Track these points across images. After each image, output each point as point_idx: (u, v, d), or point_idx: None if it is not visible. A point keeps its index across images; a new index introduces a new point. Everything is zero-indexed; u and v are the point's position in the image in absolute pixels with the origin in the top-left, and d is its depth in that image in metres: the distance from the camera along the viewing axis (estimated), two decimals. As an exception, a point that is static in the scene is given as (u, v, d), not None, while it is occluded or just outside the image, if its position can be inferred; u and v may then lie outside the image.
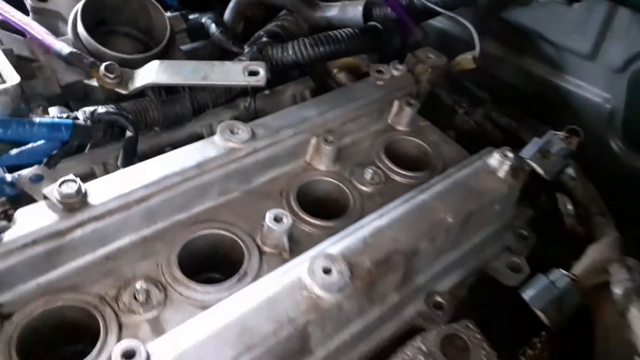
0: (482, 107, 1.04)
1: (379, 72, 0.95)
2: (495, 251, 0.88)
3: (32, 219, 0.61)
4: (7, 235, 0.58)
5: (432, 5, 0.98)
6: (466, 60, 1.00)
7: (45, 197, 0.63)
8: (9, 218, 0.61)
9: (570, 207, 0.85)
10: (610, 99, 0.98)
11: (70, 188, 0.62)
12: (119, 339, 0.59)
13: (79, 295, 0.62)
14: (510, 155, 0.82)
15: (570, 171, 0.88)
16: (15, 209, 0.63)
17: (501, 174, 0.82)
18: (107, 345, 0.58)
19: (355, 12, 1.03)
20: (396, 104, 0.93)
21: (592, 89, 1.01)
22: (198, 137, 0.84)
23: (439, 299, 0.79)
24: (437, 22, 1.13)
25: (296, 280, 0.62)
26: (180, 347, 0.54)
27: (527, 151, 0.83)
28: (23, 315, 0.59)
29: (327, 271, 0.63)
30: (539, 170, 0.83)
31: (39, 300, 0.60)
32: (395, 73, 0.96)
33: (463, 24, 0.99)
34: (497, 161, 0.82)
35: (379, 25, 0.98)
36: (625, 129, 0.98)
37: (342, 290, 0.63)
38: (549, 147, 0.83)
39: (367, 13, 1.02)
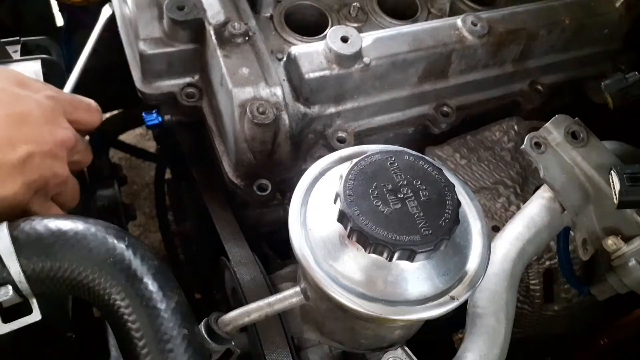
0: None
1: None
2: (593, 72, 1.13)
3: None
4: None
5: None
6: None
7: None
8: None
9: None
10: None
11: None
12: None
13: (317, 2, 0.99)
14: (630, -8, 1.06)
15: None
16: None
17: (617, 3, 1.06)
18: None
19: None
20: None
21: None
22: None
23: (539, 86, 1.09)
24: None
25: (453, 23, 0.93)
26: (374, 37, 0.90)
27: (644, -4, 1.06)
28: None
29: (474, 24, 0.95)
30: (651, 11, 1.07)
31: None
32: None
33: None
34: (617, -8, 1.07)
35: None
36: None
37: (480, 39, 0.94)
38: (660, -3, 1.05)
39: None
